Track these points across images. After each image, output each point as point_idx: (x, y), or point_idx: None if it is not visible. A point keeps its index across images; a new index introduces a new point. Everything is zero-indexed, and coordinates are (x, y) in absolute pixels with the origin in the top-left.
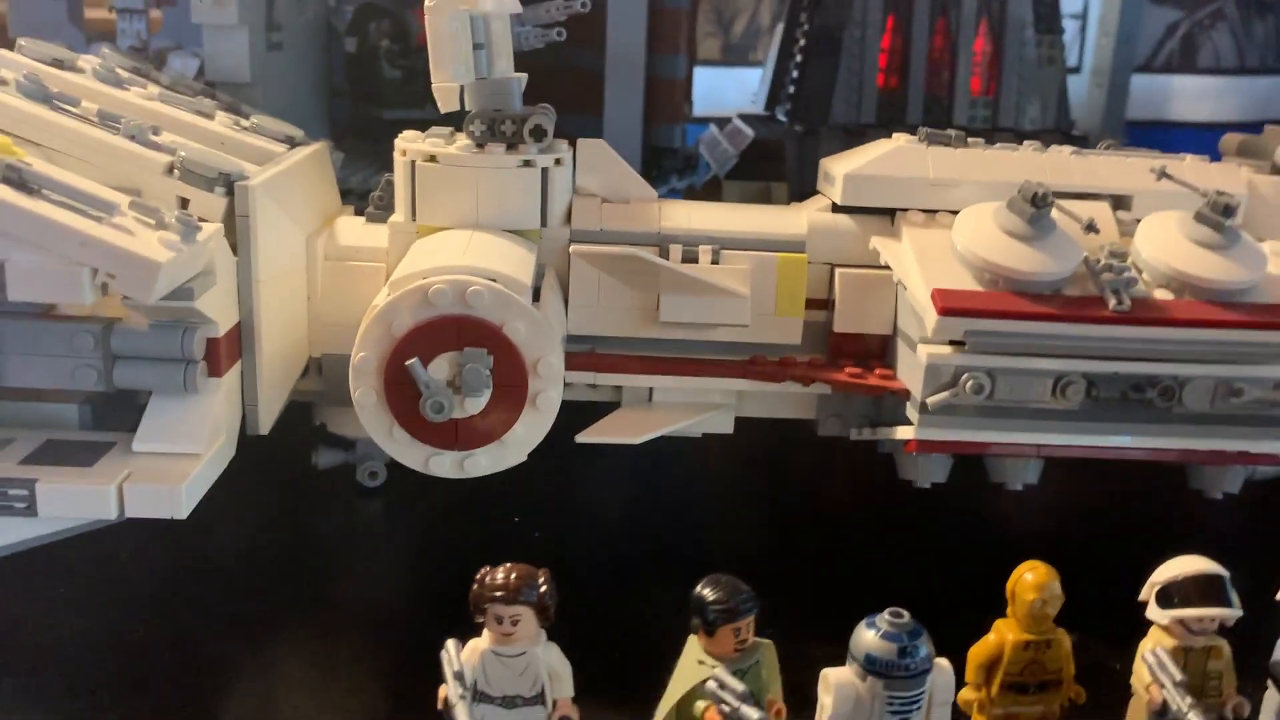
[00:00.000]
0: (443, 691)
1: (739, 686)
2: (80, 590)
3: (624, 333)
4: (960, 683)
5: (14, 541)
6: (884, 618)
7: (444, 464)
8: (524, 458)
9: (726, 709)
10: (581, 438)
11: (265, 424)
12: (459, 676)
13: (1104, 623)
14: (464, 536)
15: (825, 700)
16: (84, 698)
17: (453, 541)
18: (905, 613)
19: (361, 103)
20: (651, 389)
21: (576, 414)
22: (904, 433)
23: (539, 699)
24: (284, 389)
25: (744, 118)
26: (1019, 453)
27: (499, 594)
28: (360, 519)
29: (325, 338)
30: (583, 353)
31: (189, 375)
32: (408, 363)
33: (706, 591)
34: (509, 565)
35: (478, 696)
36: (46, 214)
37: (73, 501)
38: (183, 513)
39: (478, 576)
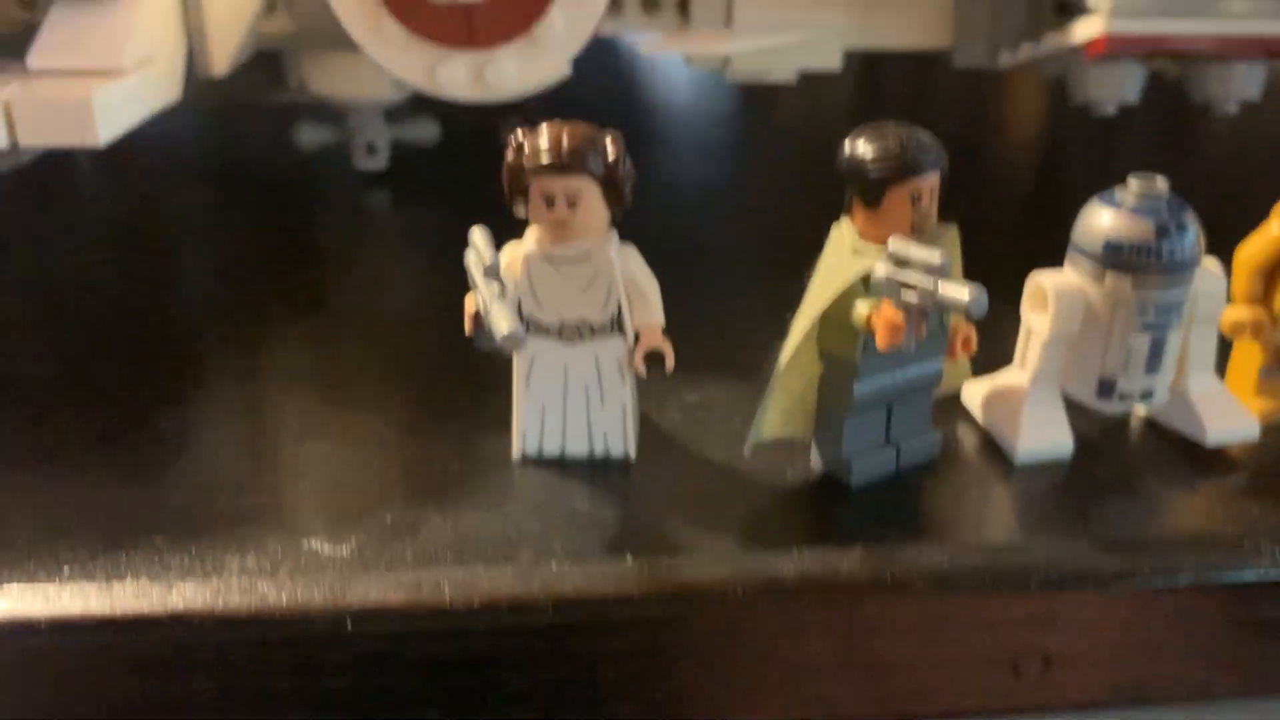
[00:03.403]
0: (470, 304)
1: (932, 257)
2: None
3: None
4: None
5: None
6: (1130, 189)
7: (456, 75)
8: (566, 68)
9: (914, 297)
10: (644, 47)
11: (219, 61)
12: (491, 272)
13: None
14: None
15: (1037, 319)
16: (21, 384)
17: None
18: (1160, 178)
19: None
20: (730, 2)
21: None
22: (1086, 30)
23: (614, 325)
24: (241, 18)
25: None
26: (1243, 53)
27: (548, 160)
28: (359, 211)
29: None
30: None
31: None
32: None
33: (863, 145)
34: (559, 121)
35: (524, 325)
36: None
37: None
38: (98, 138)
39: (513, 142)
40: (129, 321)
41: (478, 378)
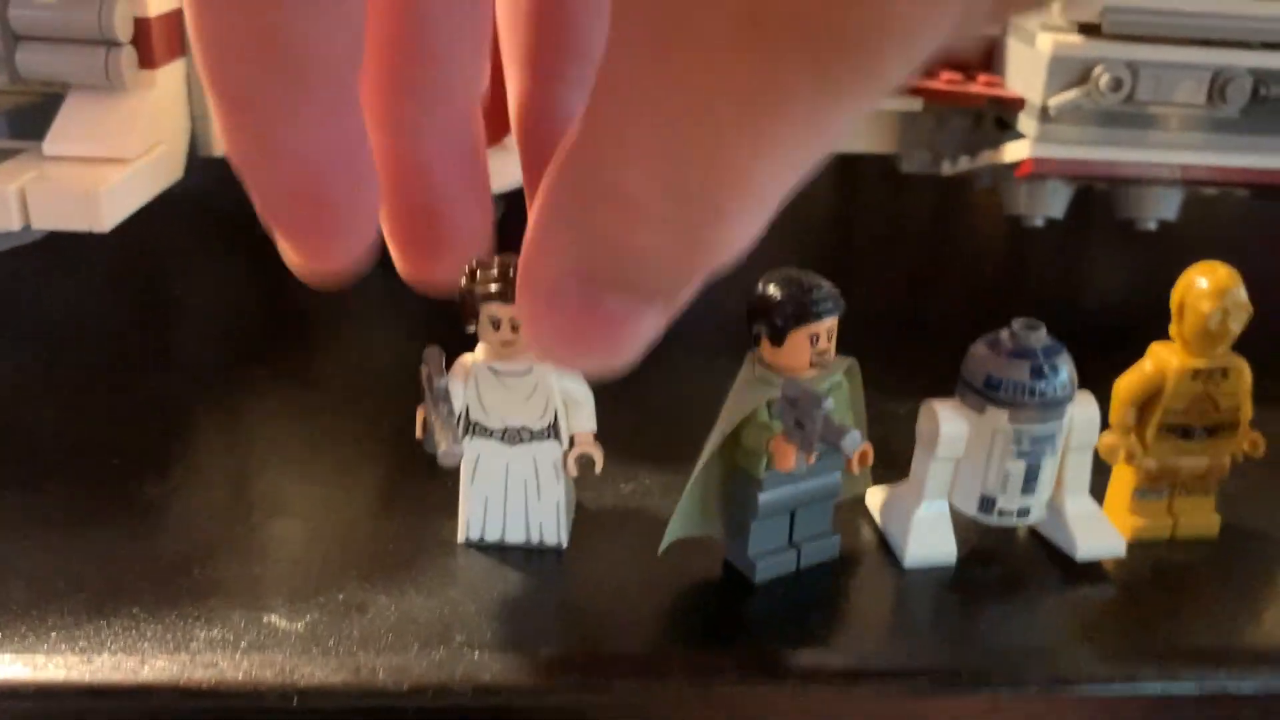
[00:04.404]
0: (422, 413)
1: (820, 397)
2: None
3: None
4: (1104, 425)
5: None
6: (1012, 331)
7: None
8: None
9: (801, 430)
10: None
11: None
12: (441, 391)
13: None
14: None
15: (927, 440)
16: (20, 444)
17: None
18: (1040, 324)
19: None
20: None
21: None
22: (1016, 151)
23: (550, 432)
24: None
25: None
26: (1159, 176)
27: (496, 288)
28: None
29: None
30: None
31: (111, 63)
32: None
33: (772, 289)
34: (508, 254)
35: (471, 429)
36: None
37: None
38: (104, 224)
39: (467, 269)
40: (123, 379)
41: (433, 463)
